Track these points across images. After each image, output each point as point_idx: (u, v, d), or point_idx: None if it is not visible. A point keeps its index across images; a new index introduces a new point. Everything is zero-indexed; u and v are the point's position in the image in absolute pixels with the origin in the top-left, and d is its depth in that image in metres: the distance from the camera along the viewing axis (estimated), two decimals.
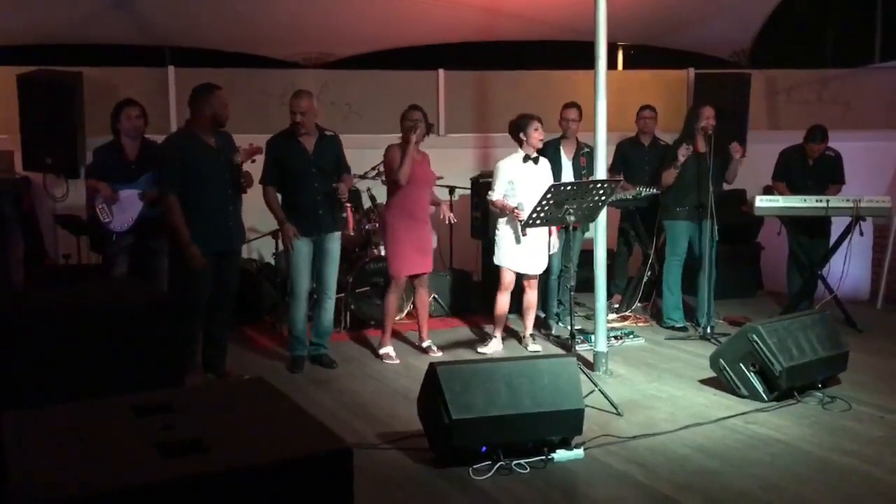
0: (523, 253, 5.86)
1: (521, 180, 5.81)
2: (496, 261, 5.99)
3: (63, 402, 2.44)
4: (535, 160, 5.89)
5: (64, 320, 3.12)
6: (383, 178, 6.66)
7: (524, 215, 5.58)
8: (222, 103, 5.02)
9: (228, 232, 5.16)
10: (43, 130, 6.58)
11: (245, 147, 5.36)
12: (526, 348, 6.06)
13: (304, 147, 5.43)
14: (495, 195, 5.86)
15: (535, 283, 6.03)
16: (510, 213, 5.76)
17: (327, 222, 5.54)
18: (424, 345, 6.03)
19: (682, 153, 6.35)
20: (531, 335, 6.15)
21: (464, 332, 6.69)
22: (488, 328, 6.38)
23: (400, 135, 5.73)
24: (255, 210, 5.88)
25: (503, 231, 5.90)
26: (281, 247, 5.98)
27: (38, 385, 2.99)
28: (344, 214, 5.57)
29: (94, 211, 5.54)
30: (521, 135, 5.85)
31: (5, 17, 7.28)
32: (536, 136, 5.82)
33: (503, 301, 6.05)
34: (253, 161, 5.38)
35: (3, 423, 2.19)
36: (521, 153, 5.88)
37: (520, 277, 6.01)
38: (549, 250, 5.99)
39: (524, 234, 5.74)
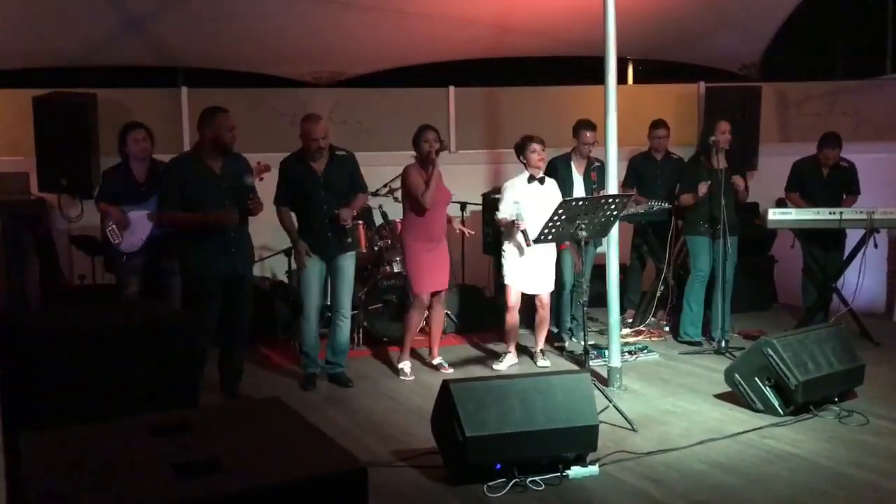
0: (529, 272, 5.88)
1: (526, 201, 5.83)
2: (505, 280, 6.02)
3: (80, 421, 2.46)
4: (541, 180, 5.92)
5: (81, 340, 3.14)
6: (395, 195, 6.69)
7: (525, 225, 5.66)
8: (226, 126, 4.96)
9: (231, 257, 5.09)
10: (58, 152, 6.64)
11: (254, 165, 5.38)
12: (536, 364, 6.05)
13: (314, 169, 5.44)
14: (500, 214, 5.92)
15: (547, 301, 6.03)
16: (509, 227, 5.80)
17: (337, 244, 5.54)
18: (435, 362, 6.04)
19: (702, 189, 6.33)
20: (541, 350, 6.14)
21: (476, 348, 6.68)
22: (500, 345, 6.37)
23: (413, 154, 5.75)
24: (269, 228, 5.91)
25: (508, 250, 5.94)
26: (294, 265, 6.00)
27: (55, 405, 3.01)
28: (349, 239, 5.57)
29: (105, 232, 5.61)
30: (522, 157, 5.93)
31: (21, 41, 7.38)
32: (534, 157, 5.85)
33: (511, 318, 6.05)
34: (261, 179, 5.35)
35: (21, 444, 2.21)
36: (526, 174, 5.92)
37: (532, 296, 6.01)
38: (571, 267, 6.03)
39: (528, 245, 5.71)
